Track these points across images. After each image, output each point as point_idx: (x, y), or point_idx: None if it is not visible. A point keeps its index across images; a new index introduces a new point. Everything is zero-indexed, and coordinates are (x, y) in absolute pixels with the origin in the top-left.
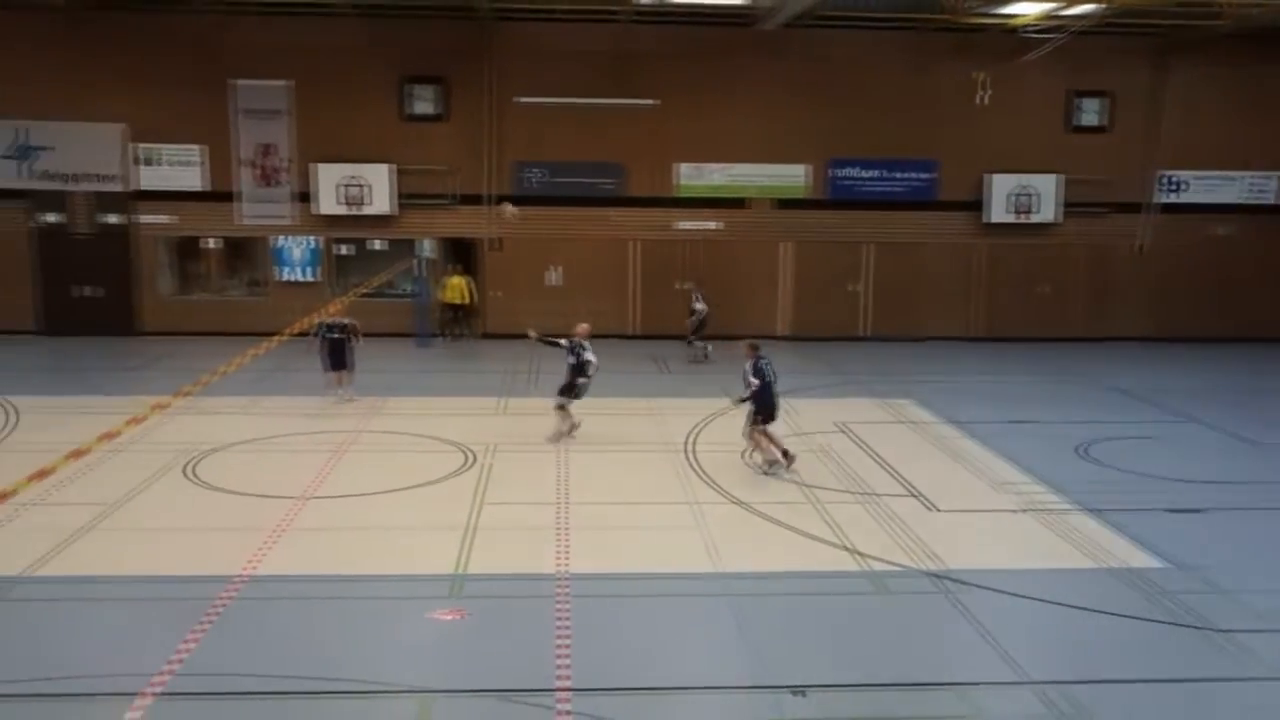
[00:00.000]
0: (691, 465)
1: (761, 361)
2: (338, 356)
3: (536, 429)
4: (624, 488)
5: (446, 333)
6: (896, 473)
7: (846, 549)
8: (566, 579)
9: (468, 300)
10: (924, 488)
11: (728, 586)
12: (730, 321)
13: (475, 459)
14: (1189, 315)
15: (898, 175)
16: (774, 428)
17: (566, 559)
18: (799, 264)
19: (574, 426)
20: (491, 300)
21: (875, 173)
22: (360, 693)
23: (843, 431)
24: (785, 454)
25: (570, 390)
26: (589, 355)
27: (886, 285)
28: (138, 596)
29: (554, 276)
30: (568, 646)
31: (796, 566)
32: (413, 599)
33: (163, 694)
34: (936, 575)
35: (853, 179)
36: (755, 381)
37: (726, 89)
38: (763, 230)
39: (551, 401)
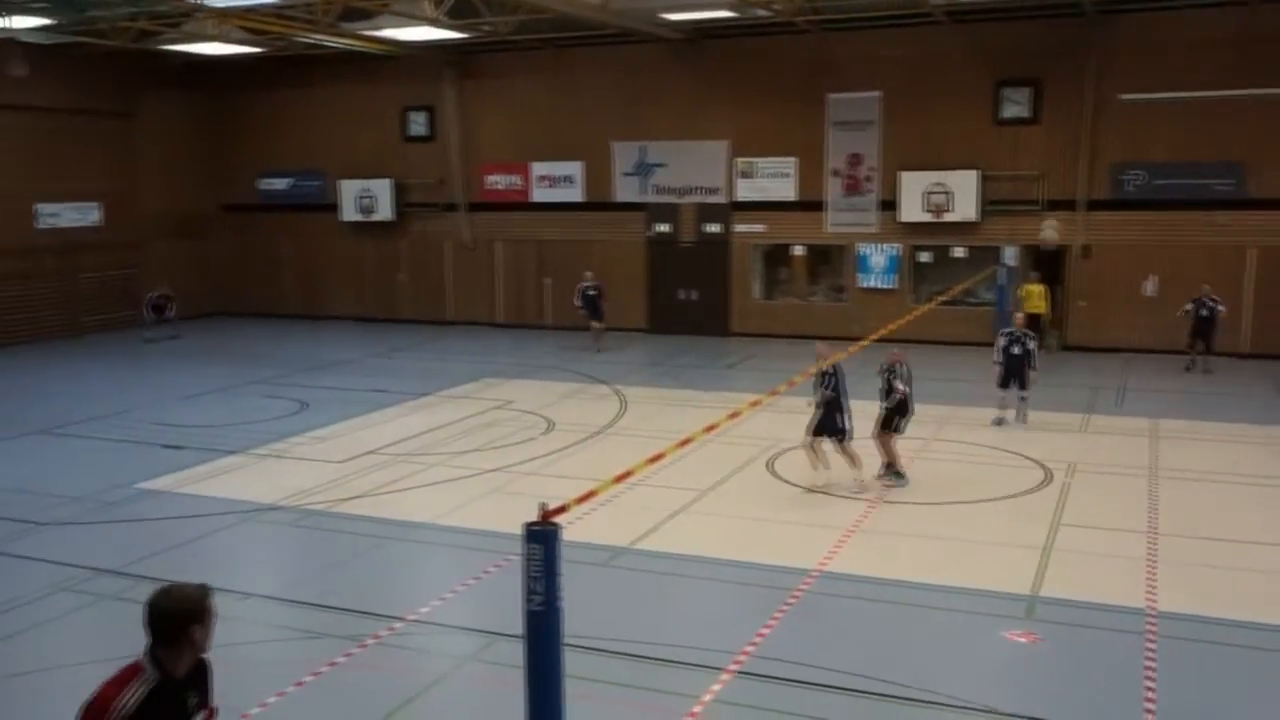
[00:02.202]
0: None
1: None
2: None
3: (1120, 450)
4: (1226, 523)
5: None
6: None
7: None
8: (1154, 615)
9: (1045, 309)
10: None
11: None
12: None
13: (1054, 477)
14: None
15: None
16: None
17: (1154, 593)
18: None
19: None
20: (1075, 310)
21: None
22: (929, 703)
23: None
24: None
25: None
26: (899, 384)
27: None
28: (721, 578)
29: (1150, 287)
30: (1153, 689)
31: None
32: (985, 615)
33: (742, 673)
34: None
35: None
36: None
37: None
38: None
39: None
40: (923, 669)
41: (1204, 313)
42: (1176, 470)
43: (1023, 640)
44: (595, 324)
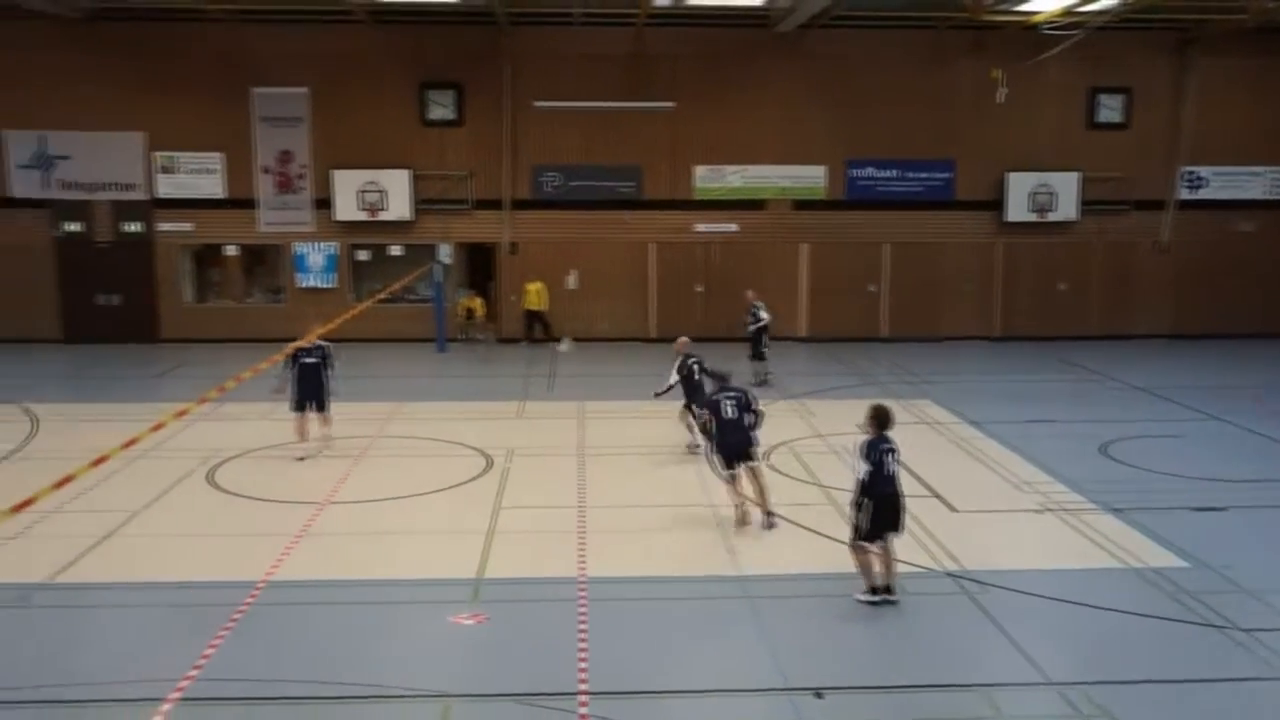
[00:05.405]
0: (711, 465)
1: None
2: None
3: (552, 432)
4: (640, 491)
5: (529, 338)
6: (915, 473)
7: None
8: (584, 582)
9: (545, 305)
10: (943, 488)
11: (746, 589)
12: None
13: (494, 463)
14: (1210, 312)
15: (915, 175)
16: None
17: (584, 562)
18: (817, 265)
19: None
20: (508, 305)
21: (892, 173)
22: (384, 698)
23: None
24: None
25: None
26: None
27: (905, 286)
28: (158, 602)
29: (572, 281)
30: (585, 647)
31: (817, 567)
32: (433, 603)
33: (186, 699)
34: (957, 576)
35: (870, 179)
36: (704, 413)
37: (743, 90)
38: (780, 231)
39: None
40: (376, 665)
41: (751, 322)
42: (599, 447)
43: (470, 622)
44: None
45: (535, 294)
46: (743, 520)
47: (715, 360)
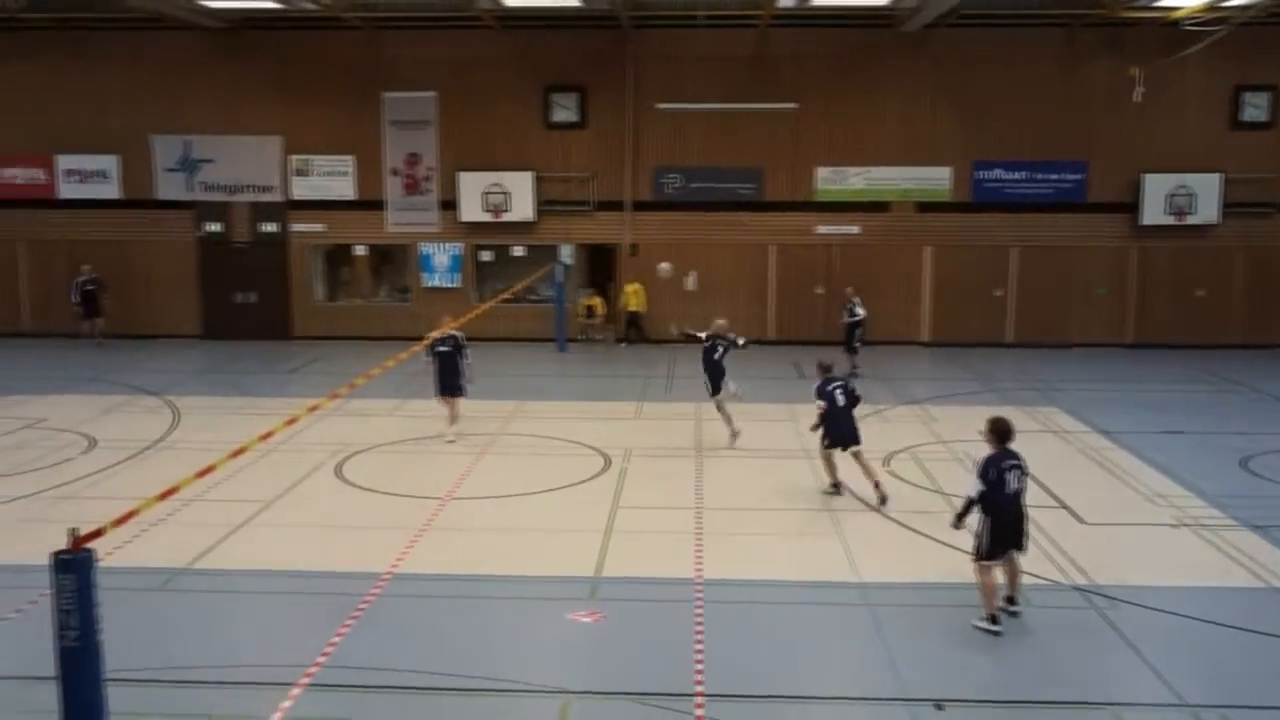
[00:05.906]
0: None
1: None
2: (447, 373)
3: (670, 433)
4: (759, 493)
5: (627, 338)
6: (1042, 483)
7: None
8: (700, 583)
9: (644, 307)
10: (1071, 499)
11: (866, 596)
12: (870, 326)
13: (613, 462)
14: None
15: (1045, 176)
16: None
17: (700, 563)
18: (941, 268)
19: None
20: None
21: (1021, 174)
22: (503, 691)
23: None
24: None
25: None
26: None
27: (1033, 290)
28: (290, 590)
29: (690, 282)
30: (702, 649)
31: (937, 577)
32: (552, 600)
33: (313, 685)
34: (1085, 590)
35: (998, 181)
36: (821, 404)
37: (867, 91)
38: (904, 234)
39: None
40: (495, 659)
41: (846, 317)
42: (717, 449)
43: (587, 620)
44: (95, 320)
45: (634, 295)
46: (836, 491)
47: (827, 357)
